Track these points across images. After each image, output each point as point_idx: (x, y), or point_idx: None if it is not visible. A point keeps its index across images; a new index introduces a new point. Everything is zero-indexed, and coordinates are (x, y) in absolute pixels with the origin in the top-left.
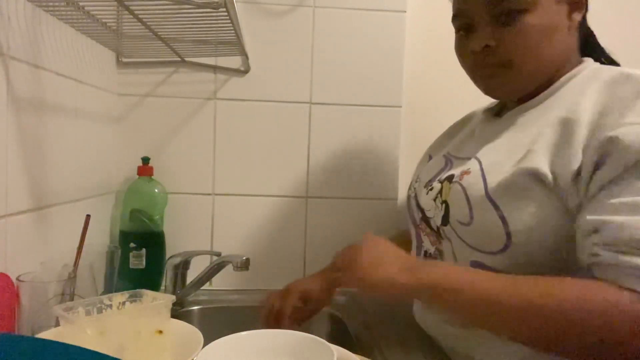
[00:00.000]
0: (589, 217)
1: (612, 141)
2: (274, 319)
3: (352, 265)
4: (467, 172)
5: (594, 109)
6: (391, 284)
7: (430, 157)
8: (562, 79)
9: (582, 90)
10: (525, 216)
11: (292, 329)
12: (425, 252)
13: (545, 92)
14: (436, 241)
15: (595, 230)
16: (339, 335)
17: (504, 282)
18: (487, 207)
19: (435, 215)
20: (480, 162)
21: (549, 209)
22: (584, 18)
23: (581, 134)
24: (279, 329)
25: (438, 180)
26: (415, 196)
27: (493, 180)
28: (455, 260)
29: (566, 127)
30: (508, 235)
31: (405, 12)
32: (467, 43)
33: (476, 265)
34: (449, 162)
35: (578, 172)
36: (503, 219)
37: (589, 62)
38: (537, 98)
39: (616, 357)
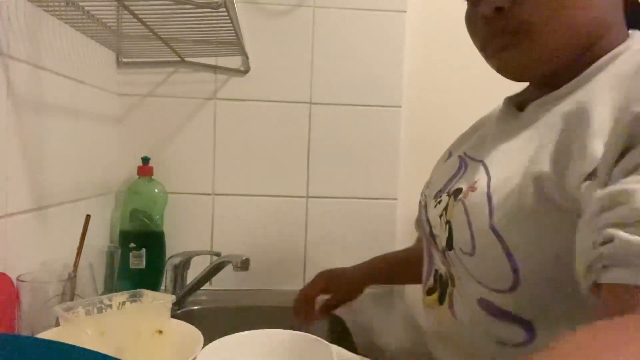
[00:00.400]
0: (600, 192)
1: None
2: (302, 304)
3: None
4: (473, 188)
5: (617, 101)
6: None
7: (450, 155)
8: (601, 61)
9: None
10: (535, 250)
11: (318, 317)
12: (436, 271)
13: (579, 77)
14: (446, 262)
15: (610, 207)
16: (339, 335)
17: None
18: (490, 238)
19: (441, 236)
20: (488, 174)
21: (565, 240)
22: None
23: (601, 127)
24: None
25: (447, 192)
26: (425, 205)
27: (499, 204)
28: (465, 295)
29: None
30: (515, 272)
31: (405, 12)
32: (477, 10)
33: (484, 303)
34: (463, 164)
35: (592, 173)
36: (509, 254)
37: (636, 37)
38: (567, 86)
39: None
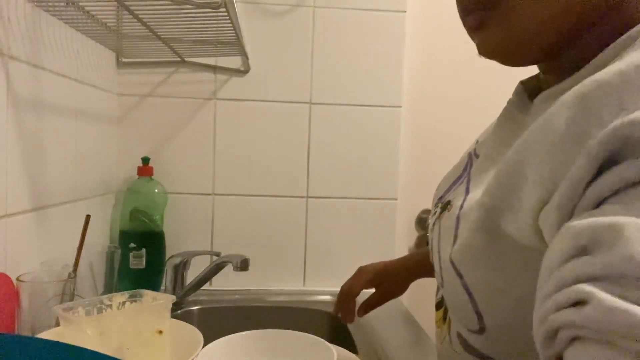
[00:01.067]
0: (574, 225)
1: (633, 125)
2: (343, 301)
3: None
4: (449, 207)
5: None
6: None
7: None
8: (617, 43)
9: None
10: (495, 292)
11: (359, 314)
12: (438, 287)
13: (588, 65)
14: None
15: (588, 250)
16: (339, 335)
17: None
18: (451, 272)
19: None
20: (467, 190)
21: (529, 284)
22: None
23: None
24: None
25: (441, 202)
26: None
27: (461, 232)
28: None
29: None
30: (479, 315)
31: (405, 12)
32: None
33: (461, 339)
34: (468, 165)
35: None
36: (469, 293)
37: None
38: (574, 77)
39: None
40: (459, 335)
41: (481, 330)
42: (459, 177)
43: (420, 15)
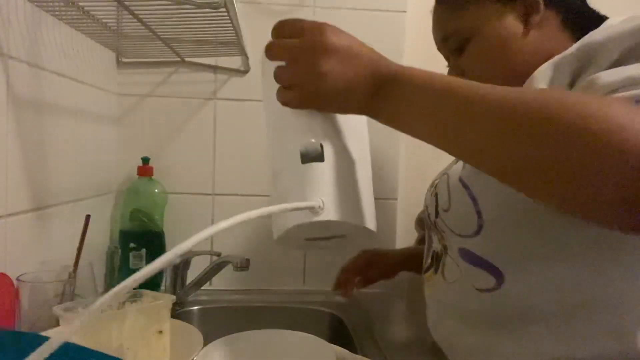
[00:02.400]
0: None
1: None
2: (343, 276)
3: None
4: (456, 161)
5: None
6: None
7: None
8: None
9: None
10: (493, 192)
11: (358, 287)
12: (434, 252)
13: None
14: (440, 237)
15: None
16: (339, 335)
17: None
18: (460, 189)
19: (431, 210)
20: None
21: None
22: (570, 10)
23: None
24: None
25: (441, 177)
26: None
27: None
28: (451, 251)
29: None
30: (479, 214)
31: (405, 12)
32: None
33: (463, 252)
34: None
35: None
36: (473, 199)
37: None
38: None
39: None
40: (460, 250)
41: (479, 229)
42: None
43: (420, 15)
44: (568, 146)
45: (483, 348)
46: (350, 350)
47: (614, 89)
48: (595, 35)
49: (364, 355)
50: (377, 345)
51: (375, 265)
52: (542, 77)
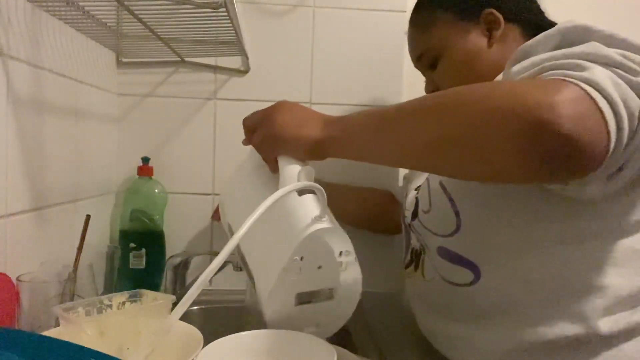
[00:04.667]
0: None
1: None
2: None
3: (270, 123)
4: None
5: None
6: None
7: None
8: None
9: None
10: (469, 194)
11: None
12: (413, 248)
13: None
14: (418, 237)
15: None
16: (339, 335)
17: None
18: (439, 192)
19: (409, 210)
20: None
21: (496, 187)
22: (523, 21)
23: None
24: (273, 330)
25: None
26: (406, 195)
27: None
28: (429, 251)
29: None
30: (457, 215)
31: (405, 12)
32: None
33: (442, 251)
34: None
35: None
36: (451, 200)
37: None
38: None
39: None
40: (439, 249)
41: (457, 229)
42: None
43: None
44: (474, 117)
45: (465, 339)
46: (350, 350)
47: (522, 74)
48: (529, 41)
49: (364, 355)
50: (376, 345)
51: None
52: None
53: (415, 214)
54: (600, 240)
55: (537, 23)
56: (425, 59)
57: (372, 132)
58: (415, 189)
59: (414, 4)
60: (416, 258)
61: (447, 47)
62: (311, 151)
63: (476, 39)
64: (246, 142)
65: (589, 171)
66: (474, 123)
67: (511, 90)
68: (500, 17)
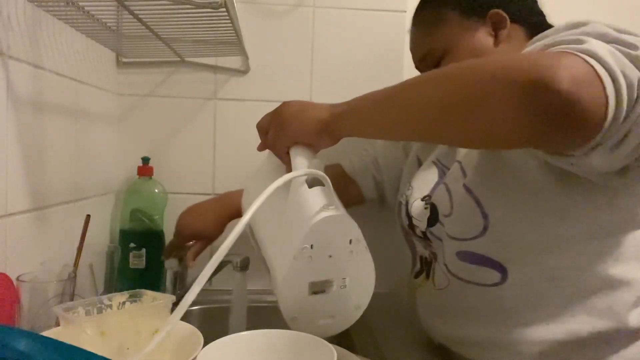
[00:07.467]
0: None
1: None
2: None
3: (283, 123)
4: (450, 173)
5: None
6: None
7: (419, 161)
8: None
9: None
10: (497, 194)
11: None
12: (421, 257)
13: None
14: (427, 245)
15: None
16: (339, 335)
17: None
18: (463, 195)
19: (422, 220)
20: (460, 162)
21: (523, 187)
22: (528, 21)
23: None
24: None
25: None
26: (407, 204)
27: (469, 171)
28: (445, 258)
29: None
30: (484, 215)
31: (405, 12)
32: None
33: (462, 255)
34: (442, 173)
35: None
36: (478, 202)
37: None
38: None
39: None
40: (459, 253)
41: (484, 230)
42: (438, 183)
43: None
44: (476, 80)
45: (488, 340)
46: (350, 350)
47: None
48: (538, 35)
49: (364, 355)
50: (377, 345)
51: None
52: None
53: (434, 220)
54: (622, 234)
55: (540, 25)
56: (430, 58)
57: (378, 104)
58: (422, 199)
59: (417, 3)
60: (427, 266)
61: (453, 45)
62: (320, 131)
63: (483, 38)
64: (261, 146)
65: (589, 135)
66: (476, 85)
67: (511, 57)
68: (507, 17)
